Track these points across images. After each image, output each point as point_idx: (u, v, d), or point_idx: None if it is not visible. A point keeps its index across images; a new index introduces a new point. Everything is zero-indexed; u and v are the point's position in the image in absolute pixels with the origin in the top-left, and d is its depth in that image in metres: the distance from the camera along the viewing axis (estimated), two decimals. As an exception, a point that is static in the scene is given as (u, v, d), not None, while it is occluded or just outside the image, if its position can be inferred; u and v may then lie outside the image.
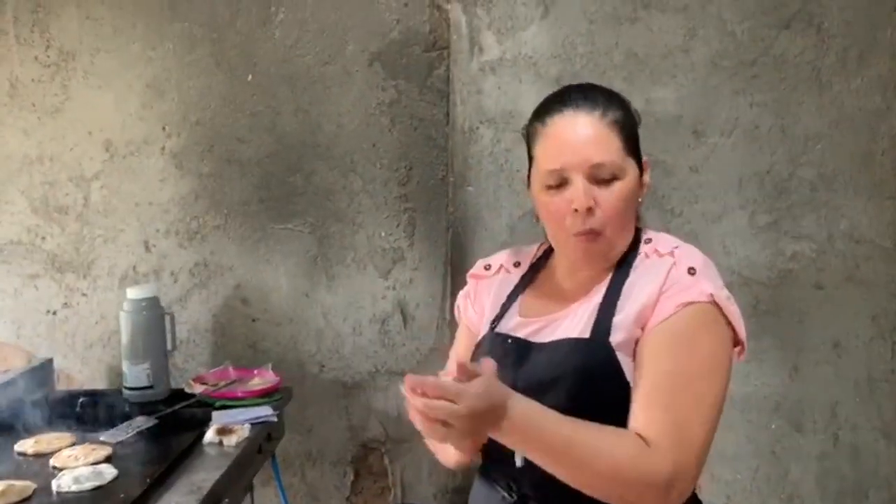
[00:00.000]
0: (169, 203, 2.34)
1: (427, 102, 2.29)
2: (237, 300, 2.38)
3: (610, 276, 1.23)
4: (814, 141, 2.16)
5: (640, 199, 1.27)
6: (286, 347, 2.39)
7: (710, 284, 1.15)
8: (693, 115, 2.17)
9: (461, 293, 1.45)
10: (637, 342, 1.16)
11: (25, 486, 1.53)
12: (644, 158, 1.28)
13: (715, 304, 1.15)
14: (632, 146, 1.24)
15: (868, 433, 2.22)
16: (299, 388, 2.28)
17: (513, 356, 1.23)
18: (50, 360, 2.25)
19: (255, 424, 1.87)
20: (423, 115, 2.31)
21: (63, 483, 1.55)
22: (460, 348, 1.41)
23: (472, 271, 1.45)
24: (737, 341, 1.20)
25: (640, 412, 1.12)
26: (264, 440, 1.94)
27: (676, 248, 1.22)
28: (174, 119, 2.32)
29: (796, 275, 2.18)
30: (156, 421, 1.88)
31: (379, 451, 2.38)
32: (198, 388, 2.05)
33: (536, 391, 1.15)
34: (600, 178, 1.18)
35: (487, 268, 1.42)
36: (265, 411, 1.95)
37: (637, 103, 2.12)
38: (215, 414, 1.91)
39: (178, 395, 2.07)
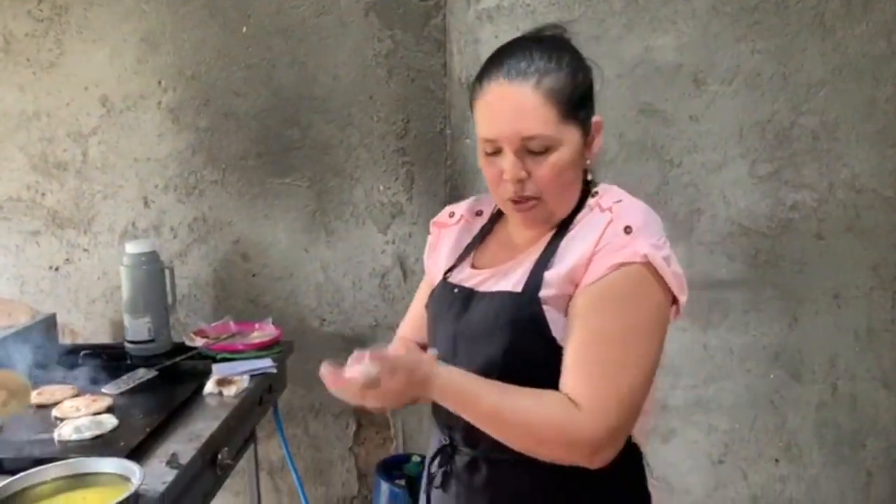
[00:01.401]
0: (167, 158, 2.34)
1: (424, 53, 2.27)
2: (237, 255, 2.38)
3: (553, 231, 1.22)
4: (816, 88, 2.12)
5: (588, 161, 1.23)
6: (286, 302, 2.40)
7: (645, 244, 1.12)
8: (693, 63, 2.13)
9: (428, 243, 1.44)
10: (570, 299, 1.15)
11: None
12: (595, 118, 1.23)
13: (648, 264, 1.12)
14: (573, 111, 1.17)
15: (867, 383, 2.22)
16: (300, 342, 2.29)
17: (457, 306, 1.24)
18: (53, 315, 2.26)
19: (255, 376, 1.90)
20: (420, 66, 2.28)
21: (64, 432, 1.58)
22: (419, 296, 1.43)
23: (436, 219, 1.43)
24: (674, 300, 1.17)
25: (569, 374, 1.12)
26: (265, 392, 1.96)
27: (617, 202, 1.19)
28: (170, 73, 2.30)
29: (797, 225, 2.16)
30: (156, 373, 1.90)
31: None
32: (198, 342, 2.07)
33: (472, 342, 1.20)
34: (532, 149, 1.15)
35: (452, 215, 1.41)
36: (265, 363, 1.97)
37: (636, 51, 2.12)
38: (215, 366, 1.93)
39: (180, 348, 2.09)
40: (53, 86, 2.32)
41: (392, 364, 1.05)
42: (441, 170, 2.33)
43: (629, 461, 1.23)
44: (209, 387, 1.81)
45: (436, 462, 1.28)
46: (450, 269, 1.32)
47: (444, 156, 2.31)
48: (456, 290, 1.26)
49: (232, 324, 2.19)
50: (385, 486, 2.18)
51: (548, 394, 1.11)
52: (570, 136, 1.17)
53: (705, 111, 2.15)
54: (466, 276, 1.28)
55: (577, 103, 1.18)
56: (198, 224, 2.36)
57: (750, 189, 2.16)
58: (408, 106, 2.30)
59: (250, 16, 2.27)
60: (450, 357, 1.21)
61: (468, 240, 1.35)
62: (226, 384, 1.82)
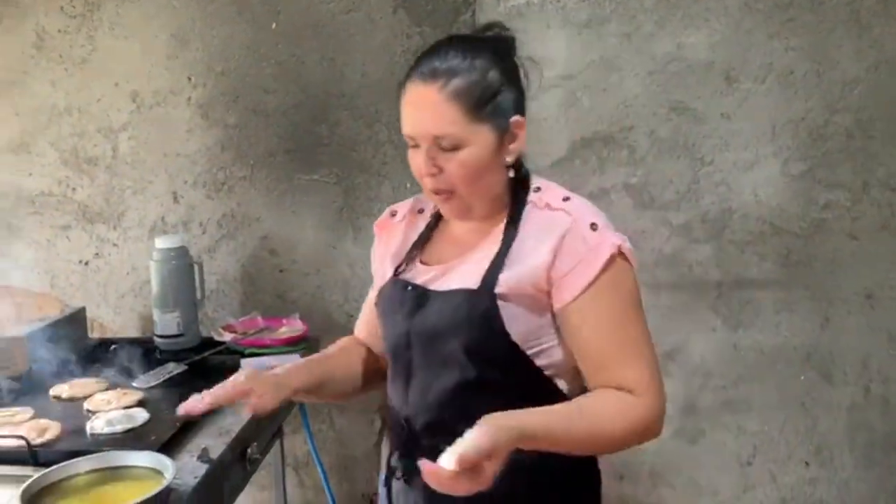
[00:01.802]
0: (196, 154, 2.35)
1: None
2: (265, 251, 2.39)
3: (503, 225, 1.27)
4: (851, 86, 2.09)
5: (508, 159, 1.26)
6: (313, 298, 2.40)
7: (611, 234, 1.21)
8: (726, 61, 2.11)
9: (374, 246, 1.48)
10: (531, 298, 1.20)
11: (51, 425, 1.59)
12: (516, 118, 1.25)
13: (620, 253, 1.20)
14: (482, 111, 1.20)
15: (900, 385, 2.19)
16: (327, 338, 2.27)
17: (410, 304, 1.29)
18: (83, 309, 2.29)
19: (283, 371, 1.89)
20: (448, 63, 2.27)
21: (96, 425, 1.59)
22: (371, 296, 1.46)
23: (378, 220, 1.47)
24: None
25: (609, 371, 1.19)
26: (292, 387, 1.96)
27: (567, 200, 1.25)
28: (199, 69, 2.31)
29: (830, 224, 2.14)
30: (186, 367, 1.91)
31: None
32: (227, 336, 2.08)
33: (431, 339, 1.25)
34: (443, 146, 1.20)
35: (393, 214, 1.45)
36: (293, 358, 1.97)
37: (668, 48, 2.10)
38: (244, 361, 1.94)
39: (208, 343, 2.11)
40: (85, 81, 2.34)
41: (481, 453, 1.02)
42: (468, 167, 2.31)
43: None
44: (238, 382, 1.82)
45: (395, 455, 1.33)
46: (398, 267, 1.36)
47: (471, 153, 2.30)
48: (409, 288, 1.31)
49: (260, 319, 2.19)
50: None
51: (605, 396, 1.19)
52: (481, 134, 1.21)
53: (737, 109, 2.13)
54: (417, 273, 1.33)
55: (486, 103, 1.21)
56: (226, 220, 2.37)
57: (782, 188, 2.14)
58: (436, 103, 2.29)
59: (280, 12, 2.27)
60: (402, 357, 1.30)
61: (414, 237, 1.39)
62: (255, 379, 1.82)
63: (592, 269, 1.18)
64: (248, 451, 1.64)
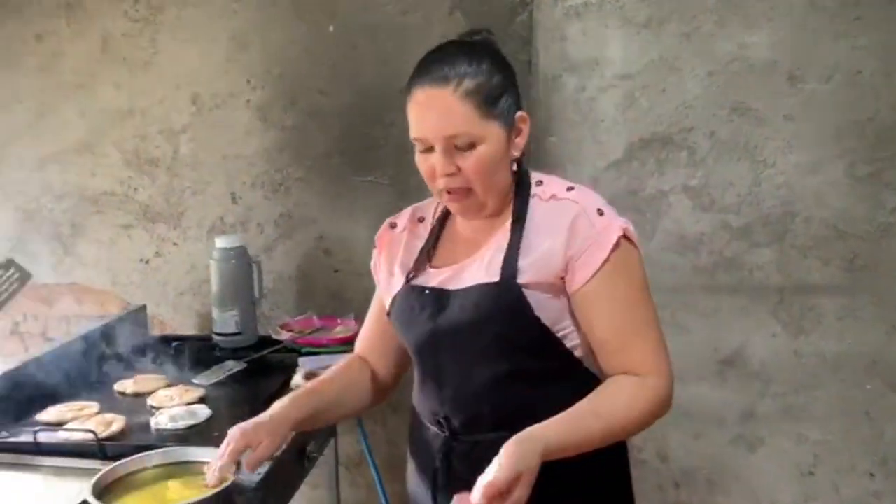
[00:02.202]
0: (254, 156, 2.39)
1: (509, 50, 2.21)
2: (320, 251, 2.41)
3: (510, 220, 1.30)
4: (922, 86, 2.02)
5: (515, 154, 1.30)
6: (368, 298, 2.38)
7: (616, 218, 1.26)
8: (789, 61, 2.06)
9: (372, 260, 1.52)
10: (553, 286, 1.25)
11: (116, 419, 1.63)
12: (519, 113, 1.29)
13: (625, 235, 1.25)
14: (492, 109, 1.25)
15: (971, 395, 2.12)
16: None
17: (431, 306, 1.32)
18: (144, 307, 2.34)
19: (340, 371, 1.91)
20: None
21: (160, 421, 1.62)
22: (374, 303, 1.52)
23: (378, 233, 1.51)
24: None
25: (618, 355, 1.24)
26: (348, 387, 1.97)
27: (571, 189, 1.29)
28: (258, 72, 2.34)
29: (897, 228, 2.07)
30: (245, 365, 1.94)
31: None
32: (284, 335, 2.11)
33: (456, 335, 1.28)
34: (458, 146, 1.24)
35: (393, 226, 1.49)
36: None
37: (730, 48, 2.07)
38: (301, 359, 1.96)
39: (265, 341, 2.14)
40: (147, 84, 2.40)
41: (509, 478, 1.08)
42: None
43: None
44: (297, 380, 1.84)
45: (440, 454, 1.34)
46: (409, 275, 1.38)
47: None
48: (427, 292, 1.33)
49: (315, 318, 2.22)
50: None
51: (619, 387, 1.23)
52: (493, 131, 1.25)
53: (801, 110, 2.08)
54: (429, 277, 1.35)
55: (495, 101, 1.26)
56: (283, 220, 2.40)
57: (847, 191, 2.08)
58: (491, 104, 2.29)
59: (336, 15, 2.29)
60: (430, 356, 1.33)
61: (419, 245, 1.42)
62: (313, 377, 1.83)
63: (602, 251, 1.23)
64: (307, 449, 1.65)
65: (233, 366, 1.93)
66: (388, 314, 1.42)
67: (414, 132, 1.28)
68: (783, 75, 2.07)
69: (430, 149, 1.26)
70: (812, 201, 2.09)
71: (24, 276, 1.77)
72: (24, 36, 2.42)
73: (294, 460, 1.59)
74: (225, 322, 2.13)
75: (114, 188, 2.46)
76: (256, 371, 1.94)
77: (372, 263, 1.52)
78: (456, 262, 1.34)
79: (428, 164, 1.27)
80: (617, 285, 1.24)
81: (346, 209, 2.38)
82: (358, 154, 2.36)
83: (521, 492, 1.08)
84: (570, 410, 1.19)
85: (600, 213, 1.25)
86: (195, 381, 1.86)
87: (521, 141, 1.30)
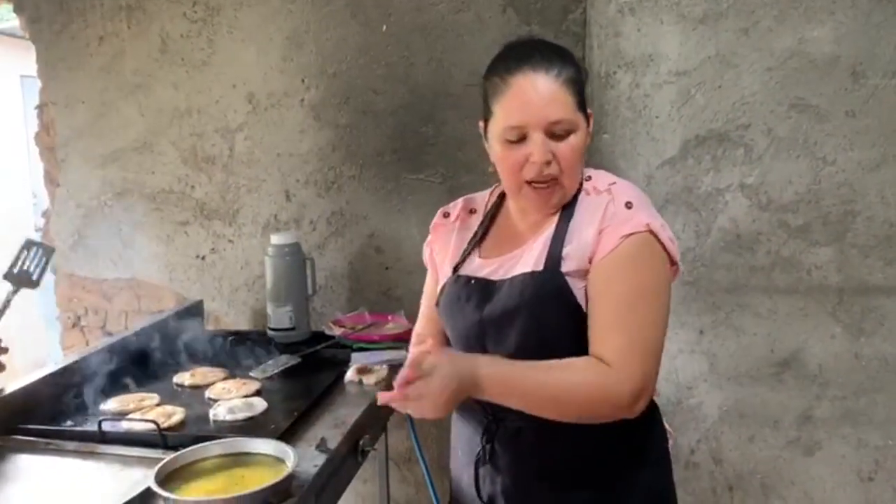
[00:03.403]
0: (308, 154, 2.42)
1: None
2: (371, 248, 2.43)
3: (558, 213, 1.34)
4: None
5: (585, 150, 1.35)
6: (418, 295, 2.39)
7: (646, 215, 1.27)
8: (852, 55, 2.01)
9: (426, 242, 1.57)
10: (587, 273, 1.28)
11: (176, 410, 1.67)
12: (588, 111, 1.34)
13: (651, 232, 1.26)
14: (583, 101, 1.32)
15: None
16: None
17: (477, 296, 1.36)
18: (200, 302, 2.39)
19: (393, 366, 1.93)
20: (557, 62, 2.25)
21: (219, 412, 1.66)
22: (428, 293, 1.56)
23: (433, 221, 1.55)
24: (672, 262, 1.31)
25: (600, 338, 1.24)
26: (399, 382, 1.99)
27: (613, 184, 1.33)
28: (312, 71, 2.37)
29: (965, 228, 2.01)
30: (300, 360, 1.97)
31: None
32: (336, 331, 2.13)
33: (498, 323, 1.32)
34: (556, 133, 1.27)
35: (446, 215, 1.53)
36: (400, 354, 2.00)
37: (789, 43, 2.03)
38: (354, 355, 1.98)
39: (318, 336, 2.16)
40: (204, 84, 2.44)
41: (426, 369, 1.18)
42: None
43: (652, 412, 1.38)
44: (350, 375, 1.86)
45: (483, 439, 1.38)
46: (458, 265, 1.43)
47: (578, 152, 2.28)
48: (473, 282, 1.38)
49: (367, 314, 2.24)
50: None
51: (579, 361, 1.24)
52: (582, 123, 1.31)
53: (863, 106, 2.03)
54: (477, 267, 1.39)
55: (582, 94, 1.32)
56: (335, 218, 2.43)
57: (912, 189, 2.02)
58: (543, 102, 2.28)
59: (390, 14, 2.31)
60: (476, 345, 1.36)
61: (468, 236, 1.46)
62: (365, 373, 1.86)
63: (613, 238, 1.25)
64: (361, 442, 1.67)
65: (287, 360, 1.96)
66: (437, 303, 1.45)
67: (513, 120, 1.28)
68: (845, 70, 2.02)
69: (522, 138, 1.28)
70: (874, 199, 2.04)
71: (48, 251, 1.83)
72: (87, 38, 2.49)
73: (348, 453, 1.61)
74: (279, 317, 2.16)
75: (171, 186, 2.52)
76: (310, 365, 1.96)
77: (426, 251, 1.56)
78: (504, 254, 1.37)
79: (518, 154, 1.28)
80: (621, 273, 1.25)
81: (397, 207, 2.40)
82: (410, 152, 2.37)
83: (425, 386, 1.17)
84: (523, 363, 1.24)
85: (628, 205, 1.28)
86: (252, 374, 1.89)
87: (589, 138, 1.34)
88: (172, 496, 1.25)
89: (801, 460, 2.18)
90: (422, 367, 1.18)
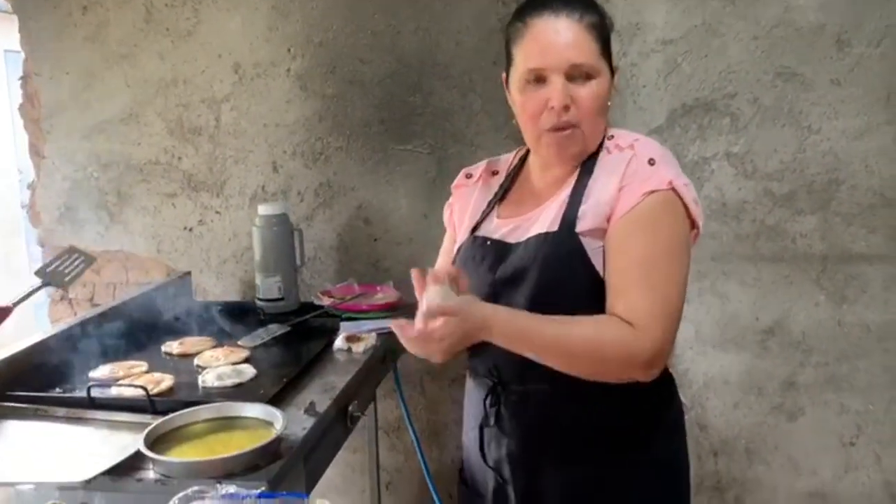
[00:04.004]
0: (295, 125, 2.41)
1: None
2: (359, 220, 2.44)
3: (577, 172, 1.31)
4: (976, 49, 1.97)
5: (609, 103, 1.32)
6: (406, 266, 2.38)
7: (669, 172, 1.24)
8: (837, 24, 2.02)
9: (447, 203, 1.56)
10: (605, 233, 1.25)
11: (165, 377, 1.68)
12: (615, 64, 1.32)
13: (674, 190, 1.23)
14: (606, 50, 1.29)
15: None
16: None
17: (491, 257, 1.34)
18: (188, 273, 2.39)
19: (381, 335, 1.94)
20: (544, 31, 2.25)
21: (207, 379, 1.66)
22: (445, 253, 1.53)
23: (455, 182, 1.54)
24: (693, 225, 1.29)
25: (618, 296, 1.21)
26: (388, 351, 2.00)
27: (636, 140, 1.29)
28: (298, 40, 2.36)
29: (947, 196, 2.03)
30: (289, 328, 1.98)
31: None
32: (326, 301, 2.14)
33: (510, 283, 1.29)
34: (577, 76, 1.25)
35: (469, 176, 1.52)
36: (389, 323, 2.00)
37: (775, 11, 2.03)
38: (343, 324, 1.99)
39: (307, 307, 2.17)
40: (190, 54, 2.43)
41: (443, 309, 1.16)
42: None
43: (663, 380, 1.33)
44: (339, 342, 1.87)
45: (487, 402, 1.36)
46: (476, 226, 1.41)
47: (566, 122, 2.28)
48: (488, 243, 1.36)
49: (356, 286, 2.24)
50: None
51: (600, 317, 1.21)
52: (605, 70, 1.28)
53: (848, 74, 2.04)
54: (494, 228, 1.38)
55: (606, 43, 1.30)
56: (323, 189, 2.42)
57: (895, 157, 2.04)
58: (530, 72, 2.28)
59: (377, -18, 2.29)
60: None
61: (489, 197, 1.44)
62: (355, 341, 1.87)
63: (635, 195, 1.22)
64: (350, 408, 1.68)
65: (277, 329, 1.96)
66: (454, 262, 1.42)
67: (532, 62, 1.26)
68: (830, 39, 2.03)
69: (540, 81, 1.26)
70: (858, 168, 2.06)
71: (89, 260, 1.87)
72: (70, 7, 2.46)
73: (337, 418, 1.62)
74: (268, 288, 2.17)
75: (158, 157, 2.51)
76: (299, 334, 1.97)
77: (446, 212, 1.55)
78: (521, 215, 1.35)
79: (537, 98, 1.26)
80: (641, 232, 1.22)
81: (385, 178, 2.40)
82: (397, 123, 2.37)
83: (444, 327, 1.16)
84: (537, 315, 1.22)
85: (651, 162, 1.25)
86: (240, 342, 1.90)
87: (614, 94, 1.32)
88: (161, 458, 1.26)
89: (784, 426, 2.22)
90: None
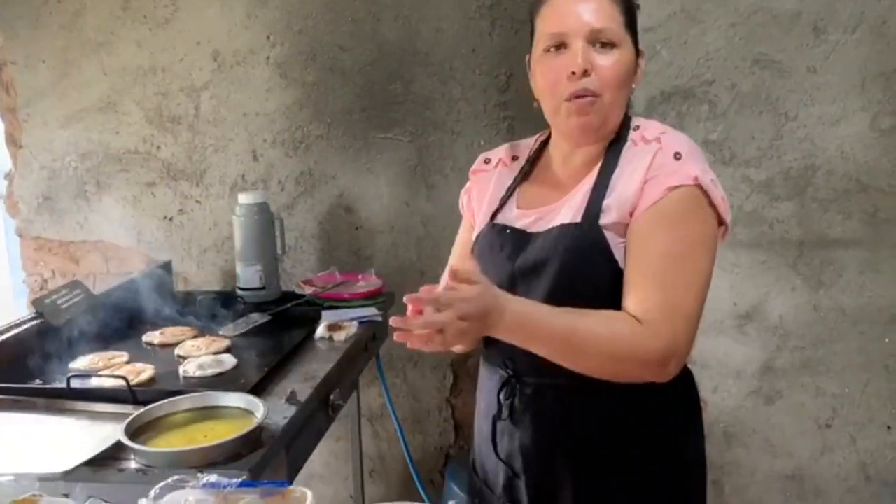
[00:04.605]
0: (275, 113, 2.40)
1: (528, 3, 2.21)
2: (341, 208, 2.44)
3: (600, 162, 1.26)
4: (949, 36, 1.99)
5: (633, 85, 1.28)
6: (388, 255, 2.44)
7: (695, 168, 1.19)
8: (814, 11, 2.03)
9: (464, 189, 1.49)
10: (627, 227, 1.21)
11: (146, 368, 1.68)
12: (641, 49, 1.29)
13: (700, 186, 1.18)
14: (631, 25, 1.26)
15: None
16: (401, 294, 2.32)
17: (510, 246, 1.30)
18: (169, 263, 2.38)
19: (363, 323, 1.95)
20: (523, 18, 2.21)
21: (188, 369, 1.67)
22: (462, 240, 1.48)
23: (473, 167, 1.47)
24: (720, 222, 1.23)
25: (633, 293, 1.17)
26: (370, 339, 2.02)
27: (663, 133, 1.24)
28: (278, 28, 2.35)
29: (921, 181, 2.06)
30: (269, 317, 1.98)
31: (478, 355, 2.43)
32: (307, 290, 2.14)
33: (530, 273, 1.25)
34: (600, 42, 1.21)
35: (487, 161, 1.45)
36: (371, 311, 2.02)
37: (752, -1, 2.04)
38: (325, 312, 2.00)
39: (289, 296, 2.17)
40: (168, 42, 2.41)
41: (459, 297, 1.06)
42: (542, 123, 2.30)
43: (683, 380, 1.28)
44: (320, 331, 1.88)
45: (502, 394, 1.31)
46: (495, 213, 1.36)
47: (546, 110, 2.29)
48: (508, 231, 1.31)
49: (337, 274, 2.25)
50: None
51: (613, 314, 1.17)
52: (628, 45, 1.24)
53: (825, 61, 2.06)
54: (514, 217, 1.33)
55: (632, 18, 1.26)
56: (304, 177, 2.42)
57: (871, 144, 2.07)
58: (510, 58, 2.28)
59: (356, -31, 2.28)
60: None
61: (507, 182, 1.39)
62: (336, 329, 1.87)
63: (658, 189, 1.18)
64: (331, 397, 1.69)
65: (258, 318, 1.97)
66: (472, 251, 1.39)
67: (554, 27, 1.23)
68: (807, 26, 2.04)
69: (561, 48, 1.22)
70: (834, 154, 2.08)
71: (90, 298, 1.88)
72: (45, -6, 2.44)
73: (318, 406, 1.63)
74: (249, 277, 2.17)
75: (137, 146, 2.49)
76: (281, 323, 1.97)
77: (462, 198, 1.49)
78: (543, 206, 1.30)
79: (557, 64, 1.22)
80: (663, 227, 1.17)
81: (366, 166, 2.40)
82: (378, 111, 2.37)
83: (454, 311, 1.05)
84: (550, 307, 1.17)
85: (677, 156, 1.20)
86: (221, 332, 1.90)
87: (638, 77, 1.28)
88: (142, 447, 1.27)
89: (762, 409, 2.25)
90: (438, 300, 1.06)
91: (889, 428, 2.18)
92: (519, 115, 2.31)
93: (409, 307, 1.09)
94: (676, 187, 1.18)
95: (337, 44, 2.33)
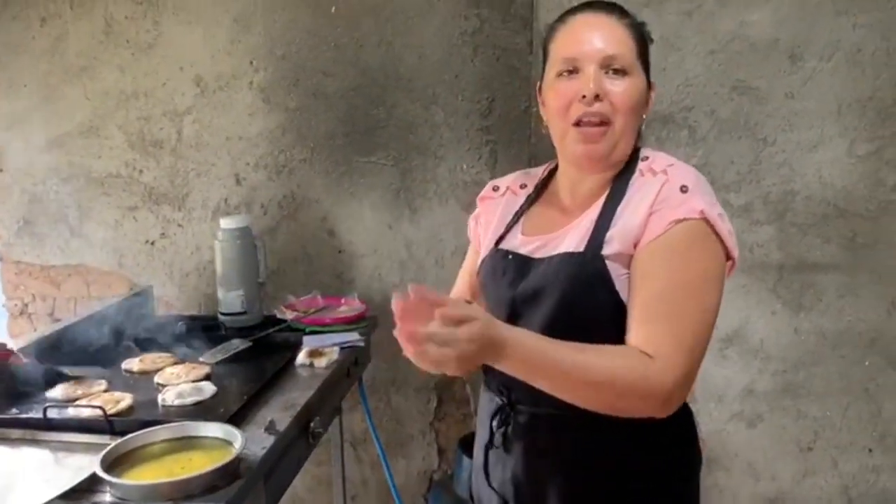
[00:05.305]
0: (258, 137, 2.40)
1: (510, 31, 2.26)
2: (324, 232, 2.44)
3: (607, 191, 1.26)
4: (923, 63, 2.02)
5: (643, 115, 1.28)
6: (371, 278, 2.44)
7: (701, 201, 1.17)
8: (790, 38, 2.06)
9: (472, 215, 1.50)
10: (631, 259, 1.19)
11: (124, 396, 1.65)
12: (652, 80, 1.29)
13: (706, 220, 1.17)
14: (643, 56, 1.27)
15: (969, 372, 2.13)
16: (384, 318, 2.31)
17: (512, 271, 1.29)
18: (150, 287, 2.37)
19: (344, 348, 1.94)
20: (505, 45, 2.27)
21: (167, 397, 1.65)
22: (467, 266, 1.49)
23: (481, 194, 1.49)
24: (728, 256, 1.22)
25: (639, 327, 1.15)
26: (352, 364, 2.01)
27: (671, 165, 1.23)
28: (261, 53, 2.36)
29: (897, 206, 2.08)
30: (250, 343, 1.97)
31: (461, 379, 2.43)
32: (289, 315, 2.13)
33: (530, 300, 1.24)
34: (612, 69, 1.22)
35: (496, 189, 1.46)
36: (353, 336, 2.02)
37: (730, 26, 2.07)
38: (306, 338, 1.99)
39: (270, 320, 2.16)
40: (150, 66, 2.41)
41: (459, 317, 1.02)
42: (525, 148, 2.32)
43: (682, 416, 1.26)
44: (301, 358, 1.87)
45: (495, 422, 1.30)
46: (499, 239, 1.37)
47: (527, 134, 2.30)
48: (510, 257, 1.31)
49: (320, 298, 2.24)
50: (467, 462, 2.20)
51: (617, 348, 1.15)
52: (640, 74, 1.25)
53: (802, 88, 2.08)
54: (518, 244, 1.33)
55: (644, 49, 1.27)
56: (287, 201, 2.42)
57: (848, 169, 2.09)
58: (492, 84, 2.30)
59: (339, -5, 2.30)
60: (506, 321, 1.20)
61: (514, 209, 1.40)
62: (317, 356, 1.87)
63: (663, 222, 1.16)
64: (311, 424, 1.68)
65: (238, 344, 1.95)
66: (477, 275, 1.39)
67: (568, 51, 1.23)
68: (784, 53, 2.07)
69: (574, 71, 1.23)
70: (812, 179, 2.10)
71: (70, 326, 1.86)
72: (28, 18, 2.43)
73: (298, 435, 1.62)
74: (230, 302, 2.16)
75: (119, 170, 2.48)
76: (262, 349, 1.96)
77: (470, 224, 1.49)
78: (548, 233, 1.30)
79: (569, 87, 1.22)
80: (667, 261, 1.15)
81: (349, 190, 2.41)
82: (361, 135, 2.37)
83: (453, 350, 1.01)
84: (556, 341, 1.12)
85: (683, 189, 1.18)
86: (202, 359, 1.88)
87: (649, 108, 1.29)
88: (118, 480, 1.25)
89: (744, 432, 2.25)
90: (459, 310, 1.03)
91: (870, 451, 2.19)
92: (501, 139, 2.33)
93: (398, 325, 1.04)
94: (681, 220, 1.16)
95: (320, 69, 2.34)
